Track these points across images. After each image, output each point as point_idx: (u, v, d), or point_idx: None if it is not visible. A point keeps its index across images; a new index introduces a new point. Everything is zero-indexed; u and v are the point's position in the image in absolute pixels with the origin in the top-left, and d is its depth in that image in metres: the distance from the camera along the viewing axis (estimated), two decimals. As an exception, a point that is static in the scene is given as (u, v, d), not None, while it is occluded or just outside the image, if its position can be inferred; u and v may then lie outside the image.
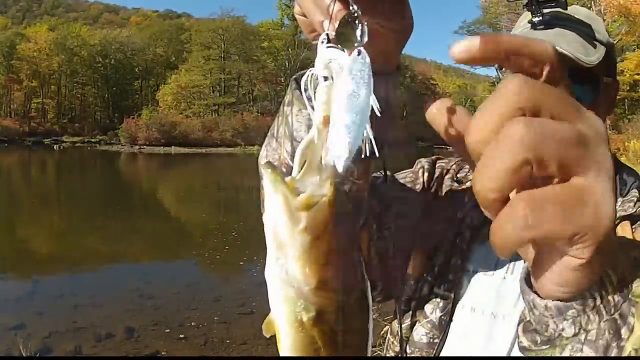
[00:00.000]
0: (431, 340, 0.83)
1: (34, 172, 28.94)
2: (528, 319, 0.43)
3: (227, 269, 8.17)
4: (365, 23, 0.40)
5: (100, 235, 10.92)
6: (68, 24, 74.10)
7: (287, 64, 61.43)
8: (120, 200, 16.82)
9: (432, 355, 0.83)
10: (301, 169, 0.40)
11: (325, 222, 0.37)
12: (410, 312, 0.86)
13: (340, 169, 0.37)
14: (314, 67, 0.43)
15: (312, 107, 0.42)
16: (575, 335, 0.40)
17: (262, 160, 0.75)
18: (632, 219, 0.82)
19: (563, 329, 0.40)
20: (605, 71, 0.87)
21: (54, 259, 8.91)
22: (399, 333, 0.86)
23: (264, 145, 0.76)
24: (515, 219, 0.30)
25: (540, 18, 0.84)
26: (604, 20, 32.06)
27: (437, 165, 0.96)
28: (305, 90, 0.43)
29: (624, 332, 0.39)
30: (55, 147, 48.12)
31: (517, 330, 0.81)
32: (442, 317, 0.83)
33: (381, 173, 0.83)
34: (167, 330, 5.36)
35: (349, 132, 0.38)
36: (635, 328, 0.39)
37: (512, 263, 0.83)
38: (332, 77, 0.41)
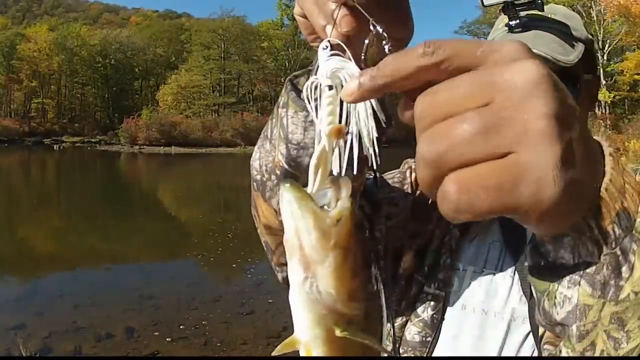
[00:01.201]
0: (424, 339, 0.84)
1: (34, 172, 28.94)
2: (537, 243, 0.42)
3: (227, 269, 8.17)
4: (390, 43, 0.39)
5: (100, 235, 10.92)
6: (68, 24, 73.94)
7: (287, 64, 61.41)
8: (120, 200, 16.81)
9: (425, 353, 0.83)
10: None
11: (350, 235, 0.37)
12: (402, 312, 0.86)
13: (357, 180, 0.38)
14: (315, 73, 0.42)
15: (316, 116, 0.41)
16: (574, 265, 0.39)
17: (254, 163, 0.75)
18: None
19: (563, 257, 0.39)
20: (585, 68, 0.88)
21: (54, 259, 8.91)
22: (392, 333, 0.87)
23: (256, 147, 0.75)
24: (448, 203, 0.30)
25: (517, 21, 0.84)
26: (603, 20, 32.11)
27: None
28: (311, 100, 0.42)
29: (624, 270, 0.38)
30: (55, 147, 48.11)
31: (509, 325, 0.81)
32: (434, 315, 0.84)
33: (370, 174, 0.84)
34: (167, 330, 5.36)
35: (370, 142, 0.38)
36: (636, 267, 0.38)
37: (501, 260, 0.84)
38: (336, 86, 0.40)
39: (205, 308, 6.09)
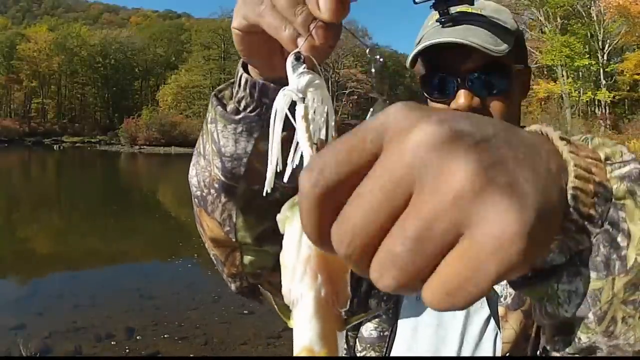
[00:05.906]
0: (381, 333, 0.84)
1: (34, 172, 28.94)
2: None
3: (227, 269, 8.19)
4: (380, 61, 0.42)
5: (100, 235, 10.92)
6: (68, 24, 73.90)
7: (287, 64, 61.37)
8: (120, 200, 16.82)
9: (385, 348, 0.83)
10: None
11: None
12: (354, 309, 0.86)
13: None
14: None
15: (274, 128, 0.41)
16: (568, 261, 0.37)
17: (192, 180, 0.76)
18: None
19: (553, 260, 0.37)
20: (517, 59, 0.92)
21: (54, 259, 8.91)
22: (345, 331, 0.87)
23: (192, 165, 0.76)
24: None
25: (448, 16, 0.87)
26: (603, 20, 32.07)
27: None
28: (279, 113, 0.41)
29: (621, 240, 0.35)
30: (55, 147, 48.17)
31: (467, 311, 0.82)
32: (389, 309, 0.84)
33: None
34: (167, 330, 5.36)
35: None
36: (632, 231, 0.35)
37: None
38: (305, 100, 0.40)
39: (205, 308, 6.09)
